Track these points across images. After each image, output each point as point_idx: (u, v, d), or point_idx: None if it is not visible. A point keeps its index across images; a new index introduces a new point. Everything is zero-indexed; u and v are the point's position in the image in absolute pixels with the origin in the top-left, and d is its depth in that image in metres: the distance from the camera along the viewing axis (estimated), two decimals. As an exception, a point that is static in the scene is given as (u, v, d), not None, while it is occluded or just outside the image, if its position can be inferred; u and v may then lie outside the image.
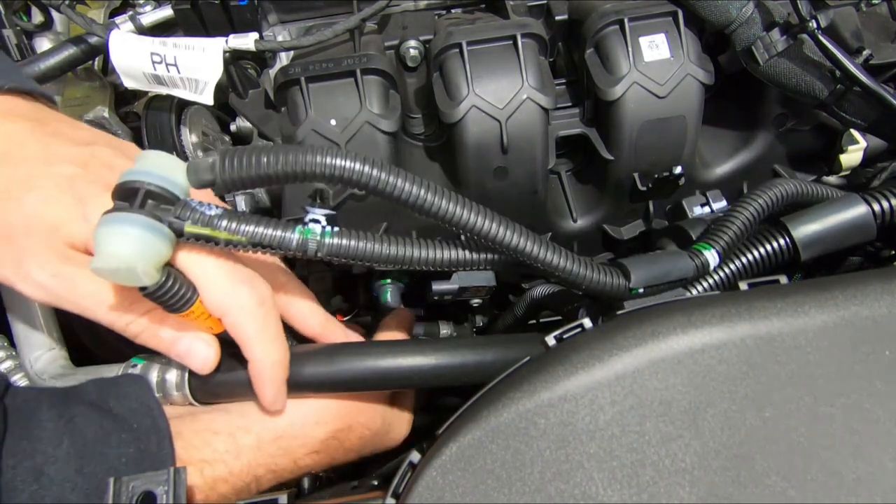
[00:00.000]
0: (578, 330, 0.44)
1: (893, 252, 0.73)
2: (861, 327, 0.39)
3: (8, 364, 0.68)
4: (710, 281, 0.50)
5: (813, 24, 0.55)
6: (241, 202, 0.66)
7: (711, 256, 0.49)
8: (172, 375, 0.55)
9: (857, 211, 0.47)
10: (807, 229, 0.48)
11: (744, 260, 0.49)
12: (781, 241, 0.48)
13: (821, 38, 0.55)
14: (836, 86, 0.60)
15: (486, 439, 0.38)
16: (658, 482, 0.37)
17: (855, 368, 0.38)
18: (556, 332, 0.45)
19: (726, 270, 0.50)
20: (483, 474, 0.38)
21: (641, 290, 0.46)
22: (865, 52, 0.59)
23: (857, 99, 0.60)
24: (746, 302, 0.41)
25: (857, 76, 0.56)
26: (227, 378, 0.54)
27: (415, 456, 0.41)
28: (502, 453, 0.38)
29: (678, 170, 0.69)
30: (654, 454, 0.37)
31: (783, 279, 0.45)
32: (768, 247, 0.48)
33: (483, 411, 0.39)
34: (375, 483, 0.60)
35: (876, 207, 0.47)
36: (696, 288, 0.49)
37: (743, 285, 0.45)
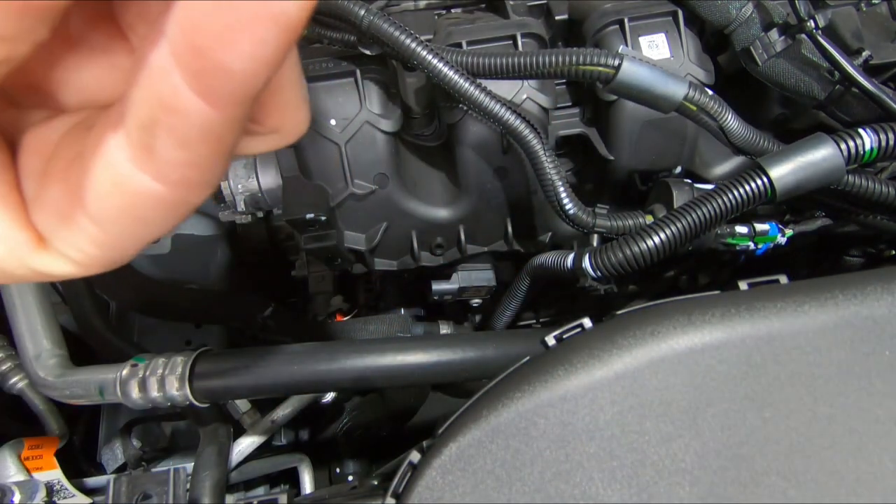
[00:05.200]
0: (578, 330, 0.44)
1: (894, 252, 0.74)
2: (861, 327, 0.39)
3: (8, 364, 0.68)
4: (707, 210, 0.50)
5: (811, 25, 0.55)
6: (241, 202, 0.66)
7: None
8: (174, 375, 0.55)
9: (827, 148, 0.50)
10: (782, 168, 0.50)
11: (724, 200, 0.50)
12: (759, 181, 0.50)
13: (819, 38, 0.55)
14: (835, 87, 0.60)
15: (486, 439, 0.38)
16: (658, 482, 0.37)
17: (855, 368, 0.38)
18: (556, 332, 0.45)
19: (709, 209, 0.51)
20: (483, 474, 0.38)
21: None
22: (865, 53, 0.59)
23: (855, 100, 0.60)
24: (746, 302, 0.41)
25: (854, 77, 0.56)
26: (228, 379, 0.54)
27: (415, 456, 0.41)
28: (502, 453, 0.38)
29: (678, 170, 0.69)
30: (654, 454, 0.37)
31: (783, 279, 0.45)
32: (747, 187, 0.50)
33: (483, 411, 0.39)
34: (375, 483, 0.60)
35: (843, 145, 0.50)
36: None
37: (743, 285, 0.45)
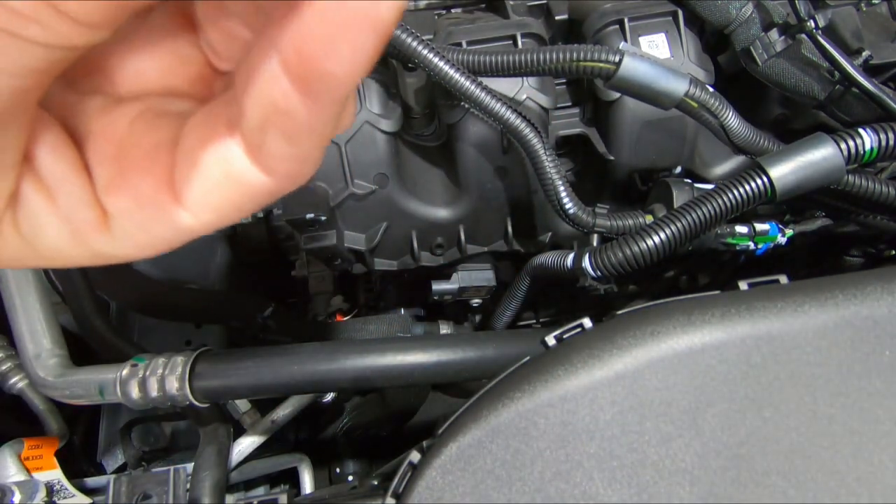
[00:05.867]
0: (578, 330, 0.44)
1: (894, 252, 0.73)
2: (861, 327, 0.39)
3: (8, 364, 0.68)
4: (714, 207, 0.50)
5: (811, 25, 0.55)
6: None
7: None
8: (174, 375, 0.55)
9: (827, 148, 0.50)
10: (782, 168, 0.50)
11: (724, 200, 0.50)
12: (759, 181, 0.50)
13: (819, 38, 0.55)
14: (835, 87, 0.60)
15: (486, 439, 0.38)
16: (658, 482, 0.37)
17: (855, 368, 0.38)
18: (556, 332, 0.45)
19: (709, 209, 0.50)
20: (483, 474, 0.38)
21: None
22: (865, 53, 0.59)
23: (855, 100, 0.60)
24: (746, 302, 0.41)
25: (854, 77, 0.56)
26: (228, 379, 0.54)
27: (415, 456, 0.41)
28: (502, 453, 0.38)
29: (678, 170, 0.69)
30: (654, 454, 0.37)
31: (783, 279, 0.45)
32: (747, 186, 0.50)
33: (483, 411, 0.39)
34: (375, 483, 0.60)
35: (843, 145, 0.50)
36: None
37: (743, 285, 0.45)
